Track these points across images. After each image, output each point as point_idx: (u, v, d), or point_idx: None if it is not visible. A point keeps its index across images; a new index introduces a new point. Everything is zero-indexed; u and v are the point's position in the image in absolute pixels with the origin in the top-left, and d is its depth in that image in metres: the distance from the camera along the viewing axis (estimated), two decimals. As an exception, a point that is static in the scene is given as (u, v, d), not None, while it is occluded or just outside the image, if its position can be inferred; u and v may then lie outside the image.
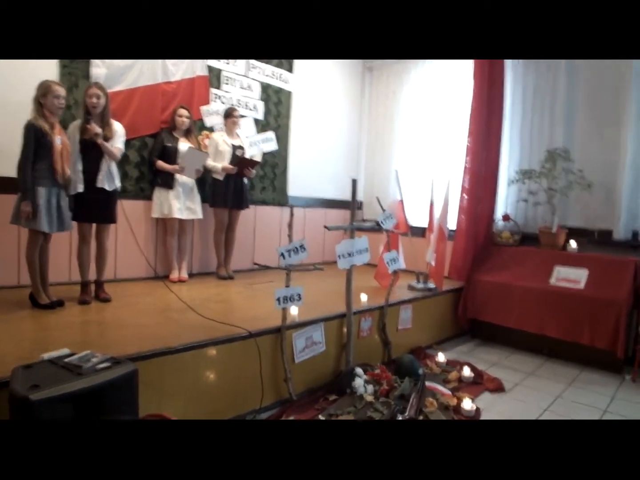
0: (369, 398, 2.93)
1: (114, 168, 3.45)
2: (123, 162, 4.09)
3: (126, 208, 4.12)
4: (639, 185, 4.34)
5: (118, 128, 3.47)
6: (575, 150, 4.62)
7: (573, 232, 4.60)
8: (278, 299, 2.82)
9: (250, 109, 5.21)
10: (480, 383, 3.50)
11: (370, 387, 3.03)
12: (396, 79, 6.26)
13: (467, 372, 3.57)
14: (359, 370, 3.14)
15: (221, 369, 2.62)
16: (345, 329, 3.36)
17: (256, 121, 5.29)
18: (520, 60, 5.06)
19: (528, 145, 5.08)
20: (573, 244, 4.49)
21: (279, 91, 5.48)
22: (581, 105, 4.69)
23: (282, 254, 2.85)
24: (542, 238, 4.67)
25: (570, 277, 4.19)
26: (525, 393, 3.40)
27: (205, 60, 4.70)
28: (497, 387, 3.43)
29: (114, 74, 4.05)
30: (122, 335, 2.64)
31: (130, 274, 4.31)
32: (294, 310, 3.15)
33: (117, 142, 3.44)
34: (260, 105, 5.31)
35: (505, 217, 5.02)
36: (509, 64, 5.04)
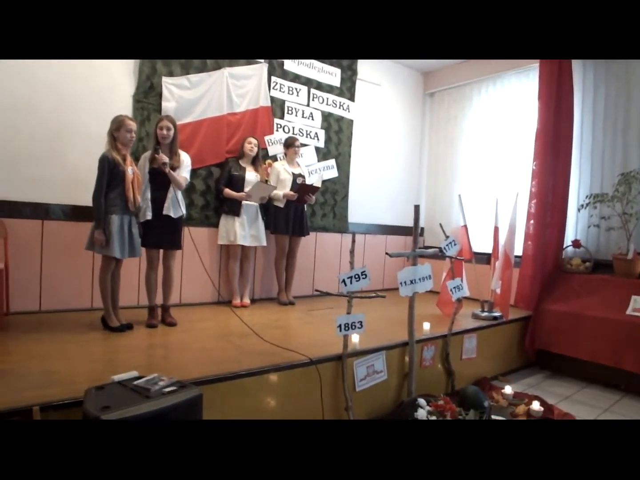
0: (432, 430, 2.82)
1: (180, 196, 3.59)
2: (189, 191, 4.27)
3: (192, 235, 4.26)
4: None
5: (185, 158, 3.63)
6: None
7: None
8: (339, 326, 2.80)
9: (312, 138, 5.31)
10: (550, 418, 3.30)
11: (433, 419, 2.92)
12: (457, 104, 6.21)
13: (536, 406, 3.37)
14: (421, 401, 3.04)
15: (282, 395, 2.63)
16: (407, 358, 3.28)
17: (317, 149, 5.38)
18: (590, 80, 4.89)
19: (599, 168, 4.85)
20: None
21: (340, 119, 5.56)
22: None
23: (344, 281, 2.83)
24: (616, 265, 4.40)
25: (648, 306, 3.91)
26: (602, 432, 3.17)
27: (268, 90, 4.86)
28: (570, 424, 3.22)
29: (183, 107, 4.26)
30: (186, 358, 2.70)
31: (194, 299, 4.44)
32: (355, 337, 3.11)
33: (184, 172, 3.59)
34: (322, 134, 5.40)
35: (576, 243, 4.79)
36: (577, 84, 4.87)
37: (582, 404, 3.67)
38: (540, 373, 4.47)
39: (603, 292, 4.29)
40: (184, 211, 3.65)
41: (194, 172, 4.03)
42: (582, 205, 4.70)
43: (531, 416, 3.30)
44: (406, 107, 6.40)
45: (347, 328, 2.82)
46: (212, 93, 4.47)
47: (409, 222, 3.32)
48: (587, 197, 4.66)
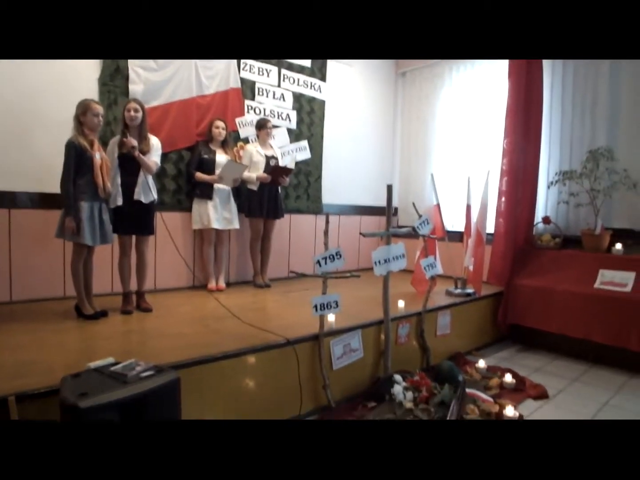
0: (409, 405, 2.90)
1: (151, 181, 3.54)
2: (161, 175, 4.21)
3: (164, 219, 4.22)
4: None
5: (154, 142, 3.57)
6: (619, 150, 4.47)
7: (618, 234, 4.42)
8: (315, 307, 2.83)
9: (284, 119, 5.27)
10: (522, 390, 3.40)
11: (409, 394, 2.99)
12: (429, 83, 6.21)
13: (508, 378, 3.48)
14: (397, 377, 3.10)
15: (260, 377, 2.65)
16: (382, 336, 3.34)
17: (290, 131, 5.34)
18: (558, 60, 4.95)
19: (568, 146, 4.94)
20: (618, 246, 4.32)
21: (311, 100, 5.52)
22: (625, 104, 4.52)
23: (318, 262, 2.86)
24: (585, 240, 4.51)
25: (616, 280, 4.03)
26: (570, 400, 3.29)
27: (238, 72, 4.79)
28: (540, 394, 3.33)
29: (151, 90, 4.17)
30: (163, 344, 2.69)
31: (169, 284, 4.41)
32: (331, 317, 3.15)
33: (154, 156, 3.53)
34: (294, 115, 5.36)
35: (546, 220, 4.89)
36: (547, 63, 4.93)
37: (552, 375, 3.79)
38: (513, 347, 4.59)
39: (572, 266, 4.40)
40: (156, 196, 3.59)
41: (164, 156, 3.96)
42: (552, 182, 4.79)
43: (504, 388, 3.40)
44: (378, 87, 6.38)
45: (322, 308, 2.85)
46: (180, 75, 4.38)
47: (383, 202, 3.34)
48: (556, 174, 4.75)
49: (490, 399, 3.10)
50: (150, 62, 4.18)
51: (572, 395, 3.39)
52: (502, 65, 5.24)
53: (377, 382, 3.19)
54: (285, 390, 2.74)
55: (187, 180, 4.43)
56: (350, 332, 3.12)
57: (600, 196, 4.44)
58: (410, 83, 6.53)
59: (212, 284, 4.42)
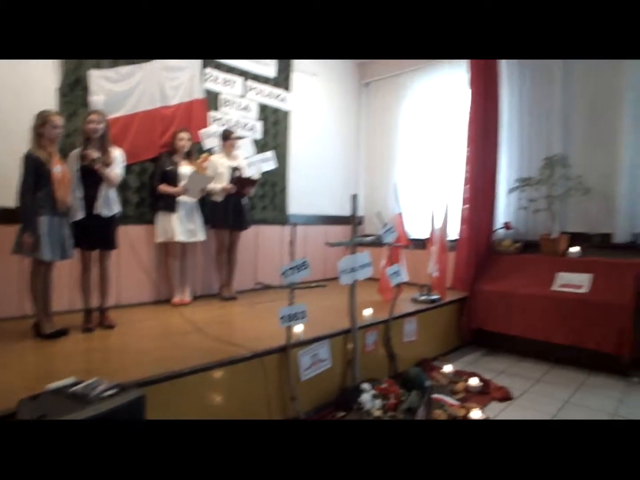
0: (377, 413, 2.92)
1: (113, 194, 3.47)
2: (123, 188, 4.13)
3: (128, 233, 4.15)
4: (636, 189, 4.36)
5: (117, 154, 3.51)
6: (574, 157, 4.67)
7: (574, 238, 4.60)
8: (282, 318, 2.82)
9: (249, 130, 5.27)
10: (487, 392, 3.48)
11: (377, 402, 3.01)
12: (392, 93, 6.33)
13: (474, 382, 3.55)
14: (365, 385, 3.12)
15: (227, 391, 2.62)
16: (350, 345, 3.35)
17: (255, 141, 5.34)
18: (516, 69, 5.12)
19: (527, 153, 5.11)
20: (574, 249, 4.48)
21: (276, 111, 5.54)
22: (578, 112, 4.75)
23: (285, 273, 2.86)
24: (543, 245, 4.67)
25: (573, 282, 4.18)
26: (534, 400, 3.38)
27: (202, 83, 4.76)
28: (505, 396, 3.41)
29: (113, 101, 4.11)
30: (127, 361, 2.64)
31: (133, 299, 4.32)
32: (298, 328, 3.15)
33: (116, 168, 3.47)
34: (259, 125, 5.36)
35: (506, 226, 5.03)
36: (504, 72, 5.09)
37: (516, 376, 3.89)
38: (478, 351, 4.68)
39: (531, 270, 4.54)
40: (118, 209, 3.53)
41: (127, 168, 3.89)
42: (512, 189, 4.94)
43: (470, 392, 3.47)
44: (343, 97, 6.46)
45: (290, 319, 2.85)
46: (143, 85, 4.33)
47: (348, 212, 3.37)
48: (515, 180, 4.91)
49: (457, 403, 3.15)
50: (112, 73, 4.12)
51: (535, 395, 3.48)
52: (463, 73, 5.36)
53: (345, 392, 3.20)
54: (253, 404, 2.72)
55: (151, 192, 4.37)
56: (318, 343, 3.13)
57: (557, 202, 4.60)
58: (373, 93, 6.64)
59: (177, 298, 4.35)
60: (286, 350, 2.89)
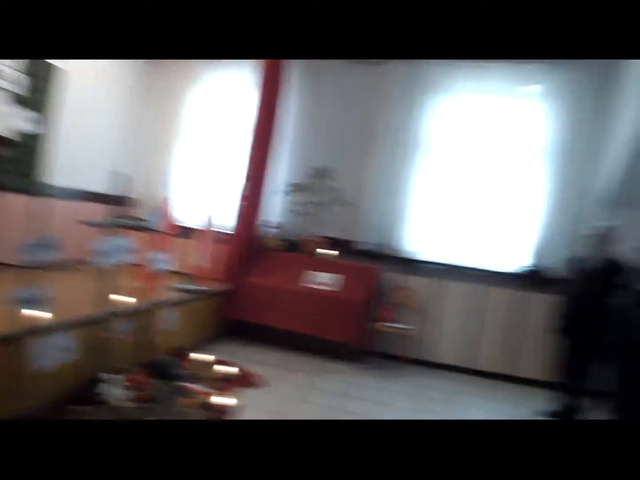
0: (125, 404, 2.77)
1: None
2: None
3: None
4: (384, 202, 5.09)
5: None
6: (340, 169, 5.25)
7: (333, 242, 5.18)
8: (19, 301, 2.45)
9: (9, 81, 4.41)
10: (239, 380, 3.63)
11: (125, 393, 2.86)
12: (182, 80, 6.07)
13: (228, 370, 3.67)
14: (112, 377, 2.93)
15: None
16: (100, 333, 3.10)
17: (17, 96, 4.50)
18: (297, 81, 5.46)
19: (297, 161, 5.49)
20: (330, 252, 5.06)
21: (50, 66, 4.79)
22: (342, 127, 5.35)
23: (26, 250, 2.49)
24: (301, 246, 5.16)
25: (322, 280, 4.78)
26: (284, 387, 3.70)
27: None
28: (257, 382, 3.63)
29: None
30: None
31: None
32: (37, 314, 2.77)
33: None
34: (24, 78, 4.54)
35: (275, 225, 5.36)
36: (290, 82, 5.35)
37: (267, 365, 4.20)
38: (236, 341, 4.83)
39: (290, 268, 4.99)
40: None
41: None
42: (283, 192, 5.33)
43: (225, 380, 3.56)
44: (130, 73, 5.97)
45: (28, 303, 2.50)
46: None
47: (116, 191, 3.13)
48: (287, 185, 5.31)
49: (207, 391, 3.19)
50: None
51: (286, 382, 3.84)
52: (250, 73, 5.41)
53: (90, 383, 2.95)
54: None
55: None
56: (60, 330, 2.81)
57: (321, 209, 5.14)
58: (163, 76, 6.23)
59: None
60: (18, 340, 2.52)
